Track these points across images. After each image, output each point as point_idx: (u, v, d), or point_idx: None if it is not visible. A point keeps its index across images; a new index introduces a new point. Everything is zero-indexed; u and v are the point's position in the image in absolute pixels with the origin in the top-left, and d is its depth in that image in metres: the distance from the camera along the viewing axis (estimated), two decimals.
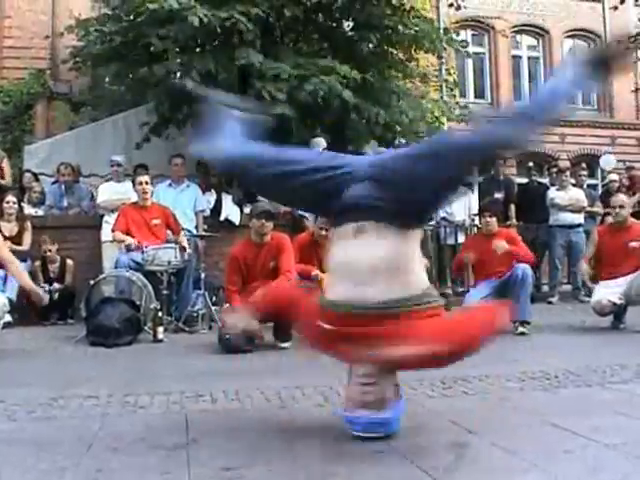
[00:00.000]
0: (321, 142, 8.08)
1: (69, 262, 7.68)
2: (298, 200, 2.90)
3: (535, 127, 2.47)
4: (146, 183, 6.98)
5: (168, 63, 7.94)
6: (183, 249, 6.65)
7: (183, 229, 7.22)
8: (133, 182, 7.51)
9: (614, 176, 11.10)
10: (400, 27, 9.20)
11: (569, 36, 18.58)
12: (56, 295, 7.39)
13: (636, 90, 15.98)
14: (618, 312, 6.10)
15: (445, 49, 10.25)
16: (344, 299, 2.42)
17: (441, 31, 10.28)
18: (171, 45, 7.97)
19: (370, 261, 2.38)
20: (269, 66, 7.77)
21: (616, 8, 13.60)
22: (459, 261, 6.71)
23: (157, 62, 8.06)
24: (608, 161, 14.55)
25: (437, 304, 2.49)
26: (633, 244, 5.96)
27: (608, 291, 5.93)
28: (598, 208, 9.73)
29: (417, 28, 9.30)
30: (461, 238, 9.15)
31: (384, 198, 2.42)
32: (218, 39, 8.04)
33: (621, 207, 6.21)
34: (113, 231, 6.86)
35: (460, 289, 8.77)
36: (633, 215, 6.85)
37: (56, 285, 7.46)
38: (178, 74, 8.29)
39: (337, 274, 2.52)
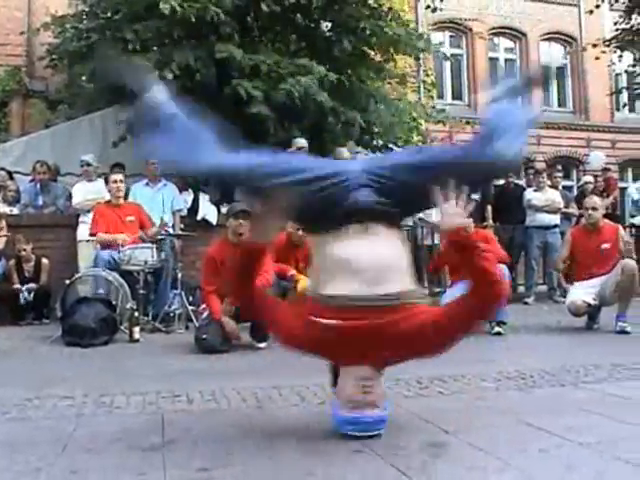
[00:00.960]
0: (302, 142, 8.07)
1: (44, 261, 7.59)
2: (301, 208, 2.72)
3: (515, 141, 2.59)
4: (120, 182, 6.99)
5: (148, 55, 7.87)
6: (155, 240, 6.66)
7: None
8: (106, 180, 7.44)
9: (589, 178, 11.23)
10: (377, 29, 9.23)
11: (545, 39, 18.78)
12: (31, 295, 7.31)
13: (611, 94, 16.17)
14: (592, 312, 6.16)
15: (423, 51, 10.30)
16: (349, 293, 2.46)
17: (418, 35, 10.32)
18: (148, 39, 7.91)
19: (378, 257, 2.49)
20: (249, 58, 7.73)
21: (591, 12, 13.75)
22: (437, 263, 6.72)
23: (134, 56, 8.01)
24: (597, 159, 14.68)
25: (425, 300, 2.62)
26: (605, 246, 6.01)
27: (582, 292, 5.98)
28: (573, 209, 9.82)
29: (395, 31, 9.33)
30: (438, 239, 9.18)
31: (385, 202, 2.57)
32: (196, 33, 7.98)
33: (594, 209, 6.26)
34: (93, 234, 6.88)
35: (437, 289, 8.79)
36: (607, 216, 6.93)
37: (31, 285, 7.37)
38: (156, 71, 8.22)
39: (337, 271, 2.52)
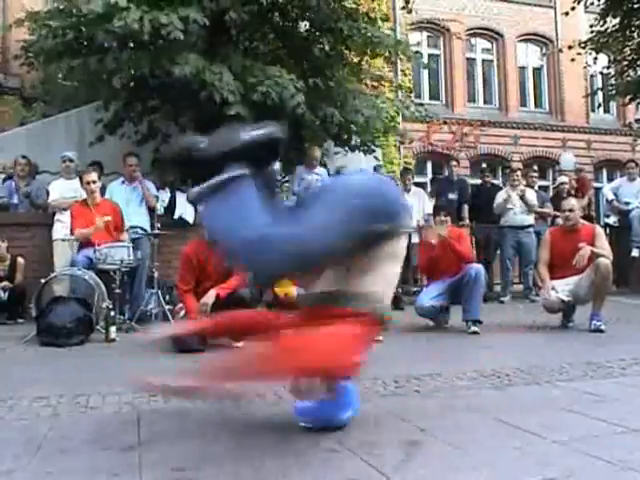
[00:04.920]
0: None
1: (20, 260, 7.53)
2: None
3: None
4: (93, 182, 6.93)
5: (105, 58, 7.77)
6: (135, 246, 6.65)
7: (134, 227, 7.21)
8: (81, 179, 7.37)
9: (564, 178, 11.32)
10: (355, 31, 9.24)
11: (522, 40, 18.92)
12: (6, 294, 7.24)
13: (586, 95, 16.31)
14: (567, 311, 6.22)
15: (397, 54, 10.34)
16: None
17: (397, 36, 10.37)
18: (113, 41, 7.78)
19: None
20: (212, 71, 7.62)
21: (567, 14, 13.88)
22: (425, 260, 6.65)
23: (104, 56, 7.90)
24: (567, 160, 14.84)
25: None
26: (581, 244, 6.02)
27: (557, 289, 6.02)
28: (549, 209, 9.89)
29: (371, 34, 9.34)
30: (415, 238, 9.18)
31: None
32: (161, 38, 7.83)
33: (571, 211, 6.30)
34: (72, 233, 6.82)
35: (413, 289, 8.82)
36: (582, 217, 6.96)
37: (6, 284, 7.30)
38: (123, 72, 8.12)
39: None
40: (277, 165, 2.73)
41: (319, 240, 2.36)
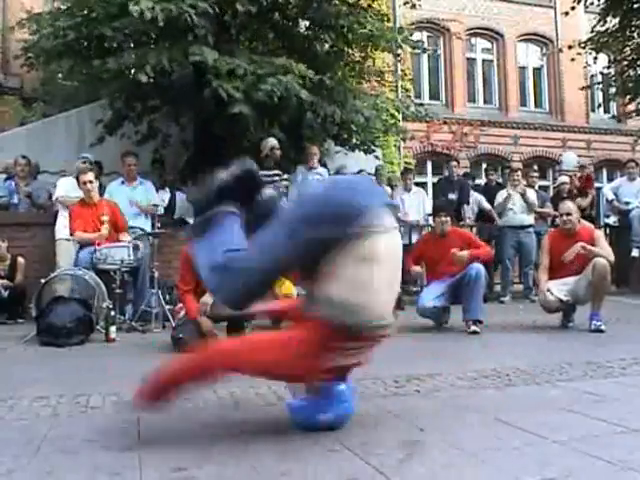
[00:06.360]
0: (272, 142, 8.12)
1: (20, 260, 7.53)
2: None
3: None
4: (90, 182, 6.91)
5: (122, 56, 7.81)
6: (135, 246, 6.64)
7: (134, 227, 7.19)
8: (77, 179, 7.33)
9: (565, 178, 11.31)
10: (356, 25, 9.24)
11: (523, 40, 18.93)
12: (6, 293, 7.24)
13: (582, 88, 16.23)
14: (567, 311, 6.22)
15: (401, 47, 10.33)
16: None
17: (396, 31, 10.34)
18: (124, 39, 7.83)
19: None
20: (224, 61, 7.67)
21: (567, 14, 13.88)
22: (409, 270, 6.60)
23: (111, 56, 7.94)
24: (570, 159, 14.82)
25: None
26: (580, 245, 5.98)
27: (555, 288, 6.01)
28: (549, 209, 9.89)
29: (373, 27, 9.34)
30: (415, 238, 9.18)
31: None
32: (171, 34, 7.90)
33: (568, 215, 6.26)
34: (72, 234, 6.83)
35: (413, 289, 8.81)
36: (583, 217, 6.92)
37: (7, 282, 7.30)
38: (132, 70, 8.17)
39: None
40: (270, 192, 2.77)
41: (264, 257, 2.42)
